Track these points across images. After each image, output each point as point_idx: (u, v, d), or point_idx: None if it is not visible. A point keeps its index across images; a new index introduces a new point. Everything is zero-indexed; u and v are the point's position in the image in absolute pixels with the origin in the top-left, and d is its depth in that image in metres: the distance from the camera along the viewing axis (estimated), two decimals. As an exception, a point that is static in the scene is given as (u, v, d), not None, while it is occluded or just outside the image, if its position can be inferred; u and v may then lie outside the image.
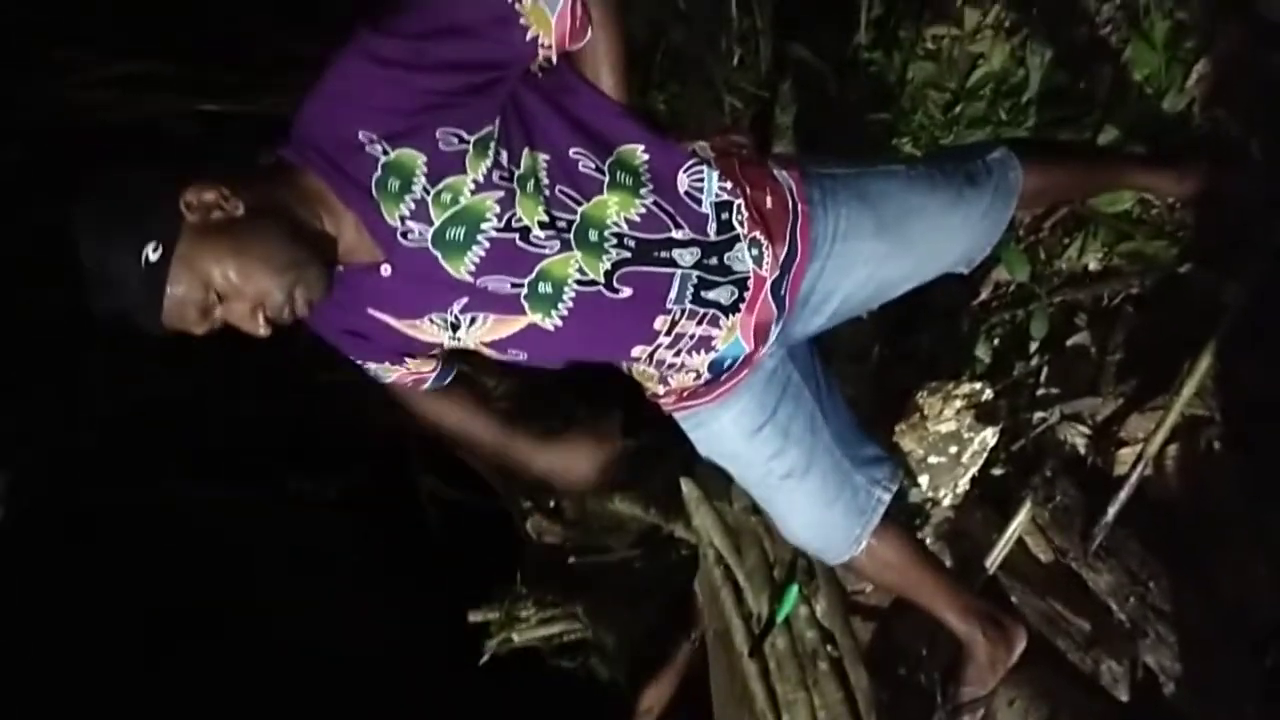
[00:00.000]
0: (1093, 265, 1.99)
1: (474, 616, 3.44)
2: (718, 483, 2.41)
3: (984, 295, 2.18)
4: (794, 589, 2.23)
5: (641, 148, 1.33)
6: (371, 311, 1.33)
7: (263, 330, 1.22)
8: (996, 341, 2.13)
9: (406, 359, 1.42)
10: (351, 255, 1.27)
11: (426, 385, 1.47)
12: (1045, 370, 2.02)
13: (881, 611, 2.20)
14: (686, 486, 2.47)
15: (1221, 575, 1.65)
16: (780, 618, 2.25)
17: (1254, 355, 1.66)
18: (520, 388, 4.25)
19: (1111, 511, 1.78)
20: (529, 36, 1.24)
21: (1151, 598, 1.72)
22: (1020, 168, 1.57)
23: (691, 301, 1.36)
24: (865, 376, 2.10)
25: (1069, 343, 1.99)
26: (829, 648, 2.16)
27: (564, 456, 1.52)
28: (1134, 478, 1.77)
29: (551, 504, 3.49)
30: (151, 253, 1.13)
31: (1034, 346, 2.04)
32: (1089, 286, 1.99)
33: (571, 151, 1.28)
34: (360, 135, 1.20)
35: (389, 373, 1.44)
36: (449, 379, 1.49)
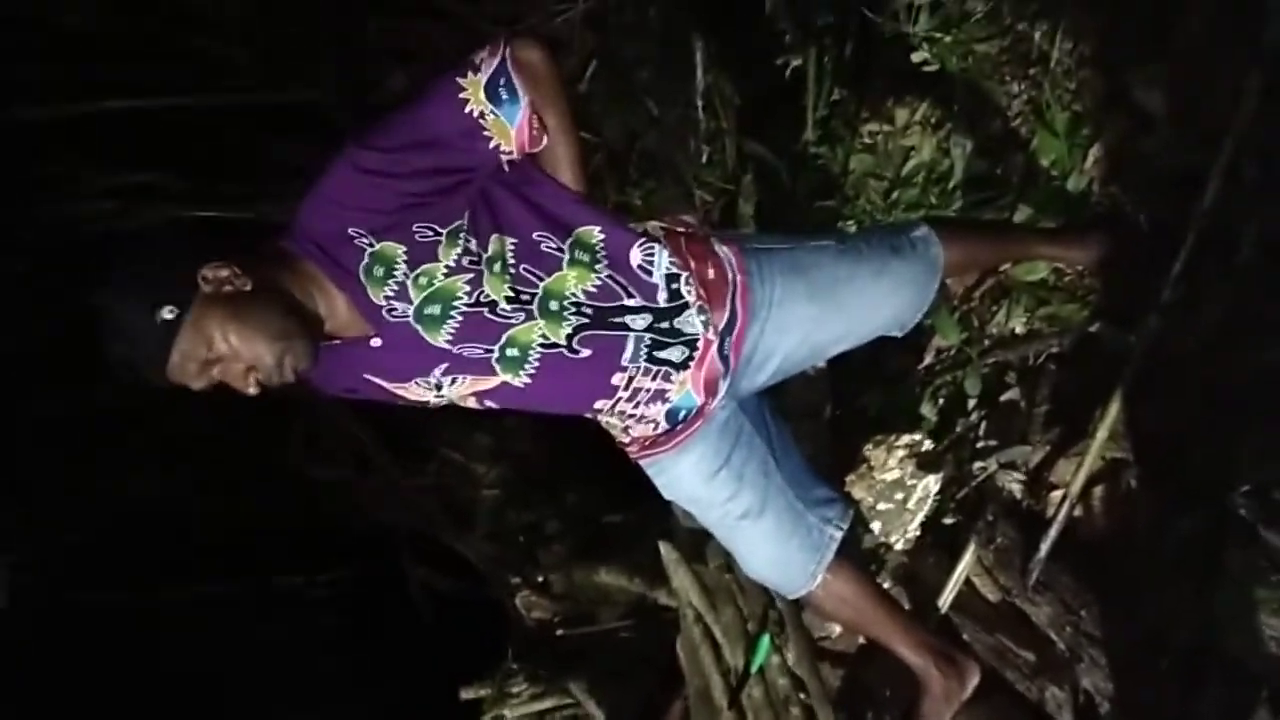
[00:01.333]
0: (1018, 328, 2.21)
1: (466, 694, 3.53)
2: (695, 544, 2.58)
3: (927, 359, 2.39)
4: (766, 638, 2.37)
5: (598, 229, 1.54)
6: (366, 376, 1.54)
7: (252, 390, 1.41)
8: (940, 401, 2.33)
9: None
10: (346, 330, 1.48)
11: None
12: (983, 424, 2.21)
13: (848, 657, 2.34)
14: (665, 549, 2.63)
15: (1145, 601, 1.81)
16: (755, 667, 2.39)
17: (1156, 399, 1.86)
18: (511, 476, 4.41)
19: (1044, 548, 1.95)
20: (492, 145, 1.46)
21: (1084, 625, 1.88)
22: (940, 243, 1.79)
23: (646, 360, 1.56)
24: (819, 434, 2.29)
25: (1002, 398, 2.19)
26: (800, 694, 2.29)
27: None
28: (1061, 516, 1.95)
29: (540, 579, 3.62)
30: (167, 313, 1.33)
31: (971, 403, 2.24)
32: (1016, 347, 2.20)
33: (534, 234, 1.50)
34: (350, 230, 1.42)
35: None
36: None
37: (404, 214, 1.42)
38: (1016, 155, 2.23)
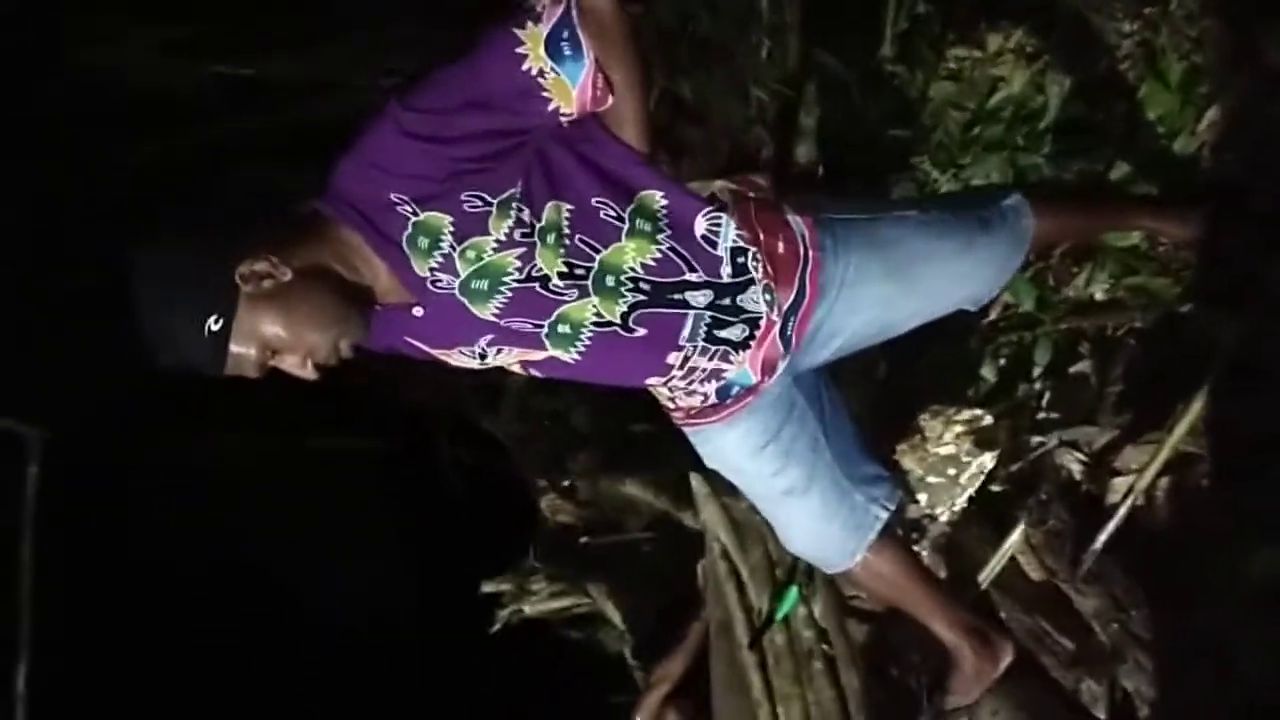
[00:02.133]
0: (1098, 296, 2.05)
1: (487, 587, 3.57)
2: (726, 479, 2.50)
3: (992, 316, 2.24)
4: (794, 590, 2.32)
5: (660, 194, 1.40)
6: (409, 339, 1.44)
7: (311, 375, 1.33)
8: (1002, 362, 2.19)
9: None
10: (387, 296, 1.38)
11: None
12: (1047, 395, 2.08)
13: (877, 615, 2.29)
14: (695, 482, 2.56)
15: (1199, 610, 1.72)
16: (779, 616, 2.35)
17: (1246, 398, 1.72)
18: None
19: (1101, 539, 1.86)
20: (551, 107, 1.31)
21: (1132, 625, 1.81)
22: (1033, 215, 1.63)
23: (704, 340, 1.44)
24: (871, 392, 2.17)
25: (1071, 370, 2.05)
26: (824, 647, 2.26)
27: None
28: (1124, 508, 1.84)
29: (565, 484, 3.59)
30: (214, 324, 1.24)
31: (1037, 371, 2.10)
32: (1093, 316, 2.04)
33: (593, 200, 1.36)
34: (392, 196, 1.29)
35: None
36: None
37: (452, 181, 1.29)
38: (1120, 103, 2.01)
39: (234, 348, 1.27)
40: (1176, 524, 1.83)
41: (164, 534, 4.56)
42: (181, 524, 4.70)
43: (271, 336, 1.28)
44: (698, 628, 2.92)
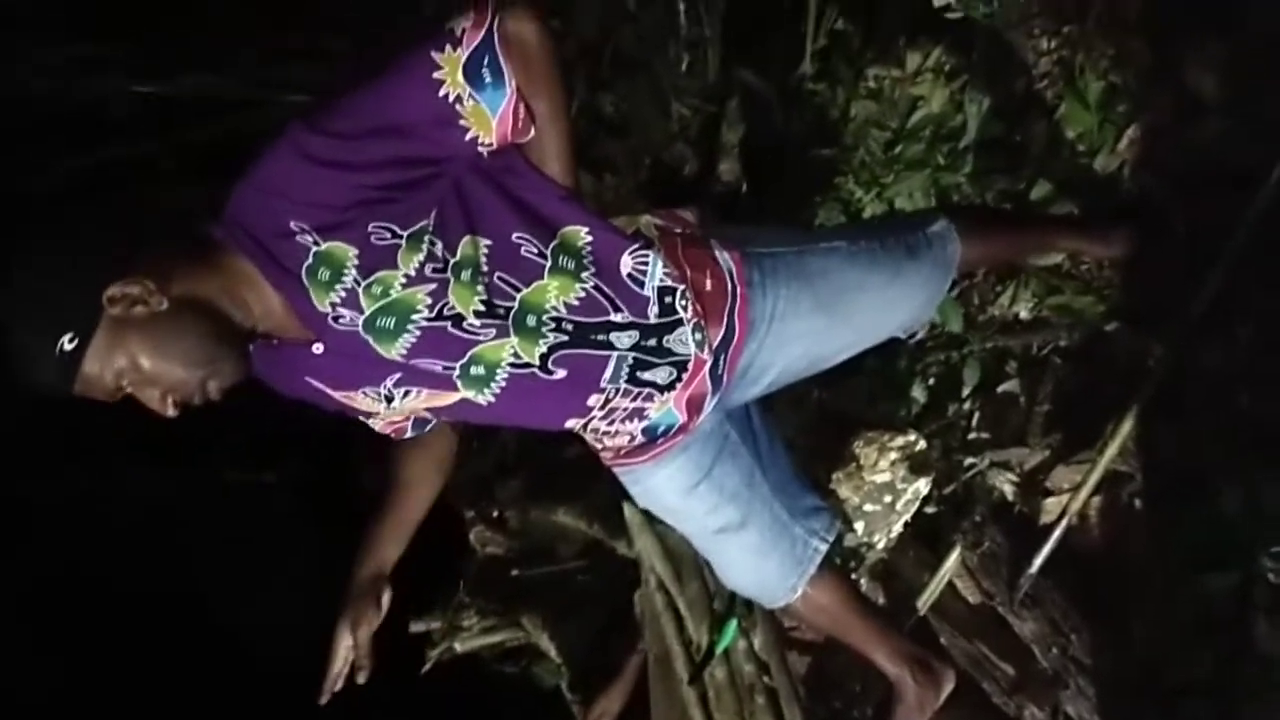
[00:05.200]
0: (1023, 314, 2.04)
1: (416, 627, 3.44)
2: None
3: (920, 336, 2.21)
4: (733, 623, 2.27)
5: (585, 230, 1.32)
6: (309, 380, 1.34)
7: (170, 412, 1.22)
8: (931, 383, 2.17)
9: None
10: (284, 332, 1.27)
11: (406, 434, 1.48)
12: (976, 415, 2.07)
13: (817, 646, 2.25)
14: (629, 512, 2.50)
15: (1137, 631, 1.71)
16: (719, 650, 2.30)
17: (1174, 423, 1.72)
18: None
19: (1036, 562, 1.85)
20: (469, 137, 1.22)
21: (1073, 649, 1.79)
22: (958, 239, 1.60)
23: (627, 381, 1.37)
24: (803, 418, 2.13)
25: (1000, 389, 2.04)
26: (765, 680, 2.21)
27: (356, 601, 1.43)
28: (1058, 530, 1.83)
29: (495, 514, 3.49)
30: (67, 343, 1.13)
31: (966, 391, 2.08)
32: (1019, 335, 2.03)
33: (514, 236, 1.28)
34: (292, 224, 1.19)
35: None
36: (428, 428, 1.49)
37: (358, 211, 1.19)
38: (1040, 122, 2.01)
39: (87, 370, 1.16)
40: (1110, 545, 1.82)
41: (74, 564, 4.33)
42: (92, 555, 4.47)
43: (130, 367, 1.18)
44: (635, 660, 2.85)
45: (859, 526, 1.98)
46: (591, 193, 2.89)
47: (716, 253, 1.42)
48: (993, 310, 2.08)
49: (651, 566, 2.51)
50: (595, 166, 3.16)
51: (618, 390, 1.37)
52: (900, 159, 2.26)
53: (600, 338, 1.33)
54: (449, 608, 3.45)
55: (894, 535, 2.00)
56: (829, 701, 2.16)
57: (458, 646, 3.47)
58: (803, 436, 2.06)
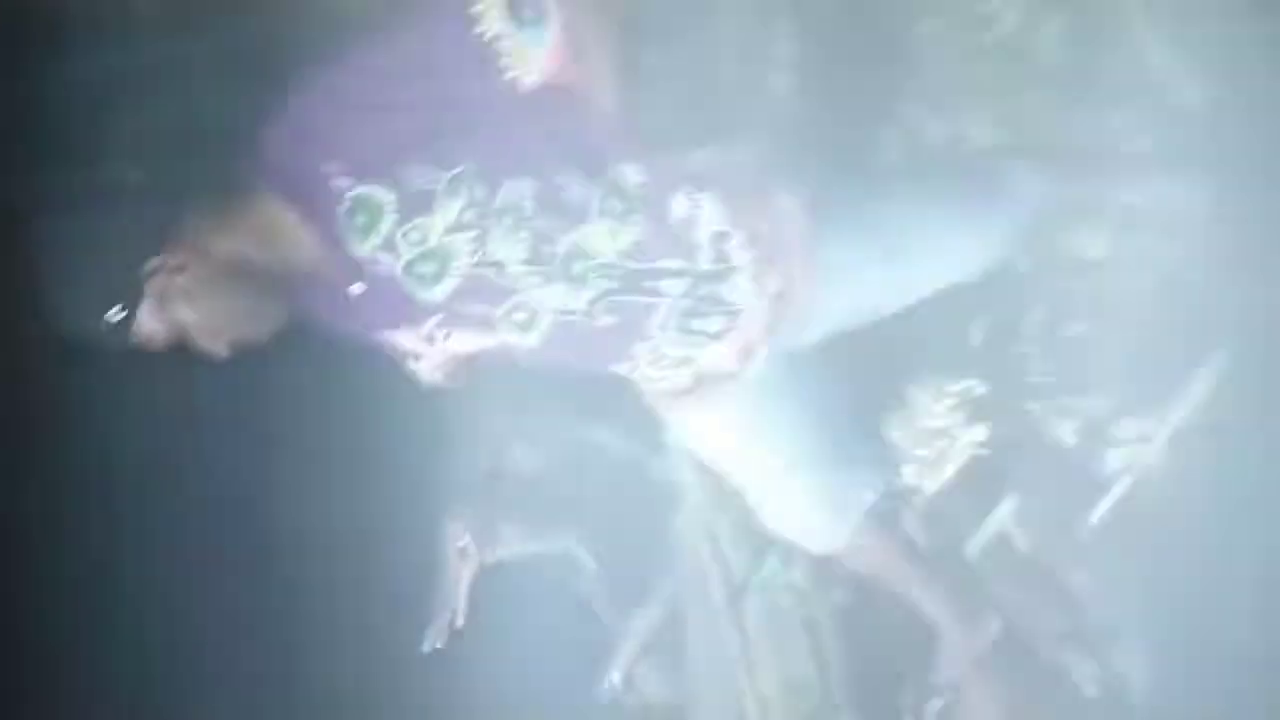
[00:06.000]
0: (1100, 254, 1.92)
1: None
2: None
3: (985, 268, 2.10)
4: (774, 554, 2.25)
5: (636, 170, 1.25)
6: (348, 320, 1.31)
7: (224, 353, 1.25)
8: (994, 321, 2.07)
9: None
10: (322, 273, 1.25)
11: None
12: (1042, 358, 1.97)
13: (860, 580, 2.22)
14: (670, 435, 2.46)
15: (1192, 593, 1.66)
16: (757, 579, 2.28)
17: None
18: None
19: (1095, 515, 1.79)
20: (509, 75, 1.16)
21: (1127, 604, 1.74)
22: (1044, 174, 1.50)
23: (676, 329, 1.33)
24: (857, 360, 2.04)
25: (1070, 333, 1.94)
26: (805, 613, 2.19)
27: None
28: (1121, 484, 1.76)
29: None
30: (115, 315, 1.17)
31: (1033, 332, 1.98)
32: (1094, 278, 1.92)
33: (559, 178, 1.22)
34: (324, 169, 1.16)
35: None
36: None
37: (395, 153, 1.16)
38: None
39: (138, 335, 1.20)
40: (1173, 502, 1.75)
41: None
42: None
43: (178, 326, 1.21)
44: (671, 581, 2.86)
45: (909, 470, 1.92)
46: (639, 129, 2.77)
47: (775, 194, 1.34)
48: (1065, 244, 1.96)
49: (691, 489, 2.49)
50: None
51: (667, 338, 1.33)
52: (969, 81, 2.10)
53: (649, 284, 1.28)
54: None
55: (945, 480, 1.94)
56: (868, 639, 2.14)
57: (498, 552, 3.52)
58: (855, 376, 1.98)
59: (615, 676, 2.84)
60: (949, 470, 1.93)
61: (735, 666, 2.30)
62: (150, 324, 1.20)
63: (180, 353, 1.26)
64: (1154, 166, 1.78)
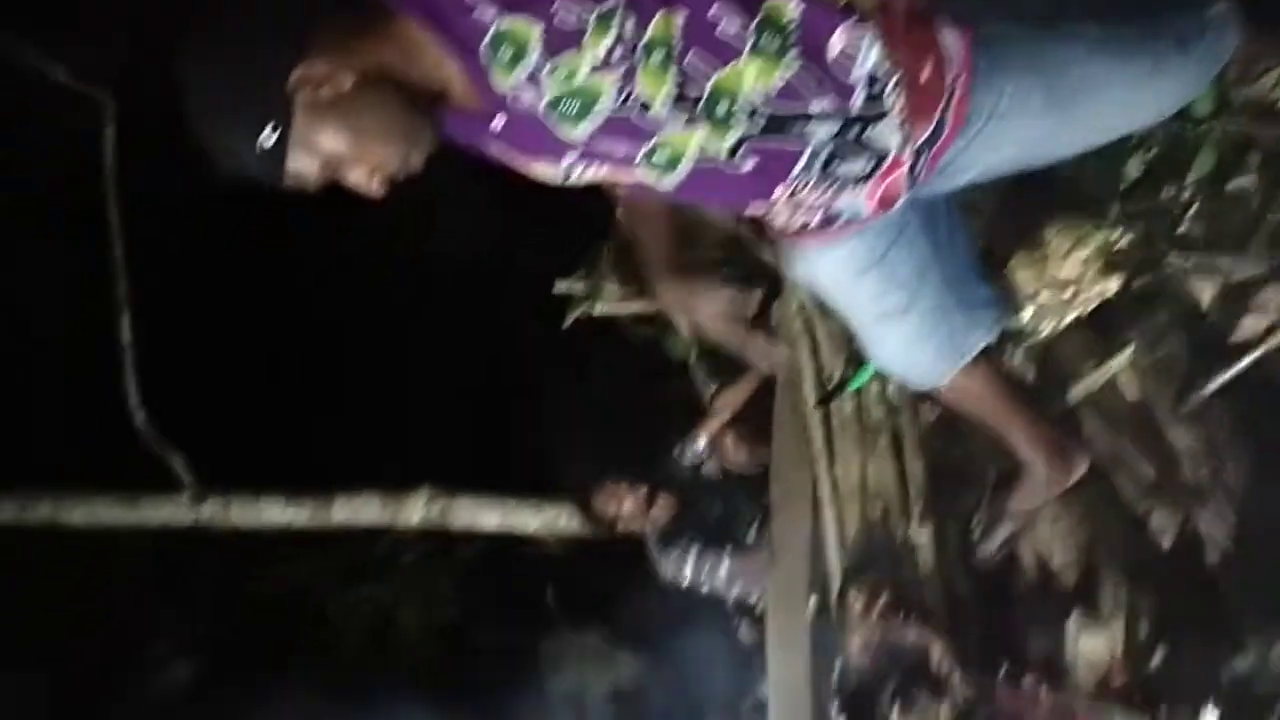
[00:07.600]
0: (1288, 105, 1.73)
1: (560, 287, 3.55)
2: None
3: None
4: (871, 366, 2.25)
5: (794, 3, 1.15)
6: (488, 147, 1.29)
7: (377, 190, 1.22)
8: (1152, 156, 1.92)
9: None
10: (462, 102, 1.20)
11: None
12: (1195, 206, 1.84)
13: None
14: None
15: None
16: (851, 387, 2.31)
17: None
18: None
19: (1215, 382, 1.74)
20: None
21: (1225, 473, 1.73)
22: (1241, 30, 1.33)
23: (820, 173, 1.26)
24: (1000, 192, 1.93)
25: (1231, 184, 1.79)
26: (893, 426, 2.23)
27: (691, 299, 1.51)
28: (1251, 355, 1.70)
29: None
30: (268, 136, 1.12)
31: (1192, 177, 1.84)
32: (1272, 126, 1.74)
33: (711, 11, 1.13)
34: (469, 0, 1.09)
35: None
36: None
37: None
38: None
39: (293, 163, 1.15)
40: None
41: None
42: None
43: (332, 151, 1.16)
44: (753, 373, 2.89)
45: (1026, 313, 1.86)
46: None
47: (942, 34, 1.22)
48: (1249, 91, 1.77)
49: (798, 287, 2.47)
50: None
51: (807, 183, 1.27)
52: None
53: (796, 129, 1.20)
54: (592, 273, 3.54)
55: (1063, 326, 1.89)
56: (952, 458, 2.18)
57: (597, 308, 3.60)
58: (991, 214, 1.88)
59: (700, 443, 2.99)
60: (1069, 317, 1.87)
61: (818, 456, 2.38)
62: (300, 159, 1.15)
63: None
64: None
